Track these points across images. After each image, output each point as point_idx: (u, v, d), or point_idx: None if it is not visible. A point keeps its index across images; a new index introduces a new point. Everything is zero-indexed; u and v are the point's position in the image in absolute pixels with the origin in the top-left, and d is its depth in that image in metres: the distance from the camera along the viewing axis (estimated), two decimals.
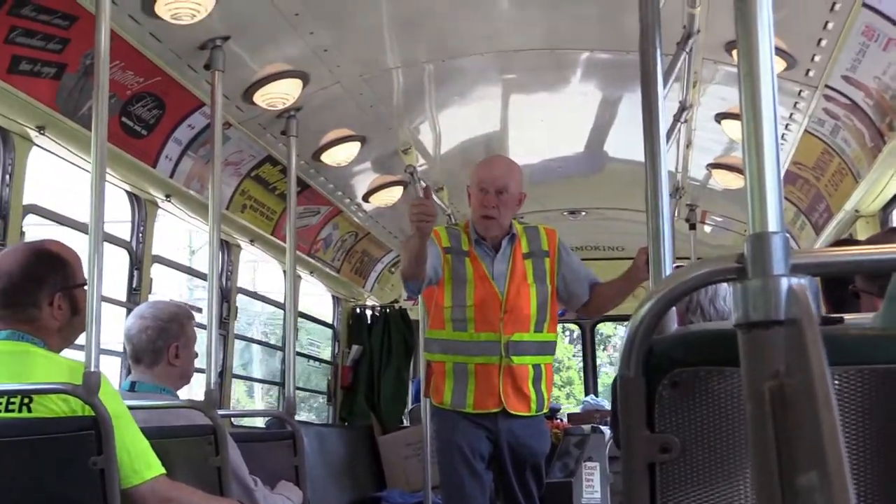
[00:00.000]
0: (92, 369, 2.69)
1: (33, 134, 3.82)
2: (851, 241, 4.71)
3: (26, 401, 2.71)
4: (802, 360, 0.94)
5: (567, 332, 16.49)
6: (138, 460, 2.80)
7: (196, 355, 3.81)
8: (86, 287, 2.91)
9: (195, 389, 4.86)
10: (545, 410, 4.64)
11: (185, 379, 3.84)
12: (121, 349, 4.64)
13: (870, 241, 3.91)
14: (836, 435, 0.86)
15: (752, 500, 1.21)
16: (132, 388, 3.65)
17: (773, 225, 1.13)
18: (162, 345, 3.65)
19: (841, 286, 3.23)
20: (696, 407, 1.25)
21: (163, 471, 2.85)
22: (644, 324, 1.27)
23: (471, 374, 4.45)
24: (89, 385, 2.66)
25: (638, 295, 4.54)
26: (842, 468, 0.83)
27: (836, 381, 1.20)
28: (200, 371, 4.15)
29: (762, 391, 1.02)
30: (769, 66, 1.18)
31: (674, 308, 2.05)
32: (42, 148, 3.95)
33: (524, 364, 4.46)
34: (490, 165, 4.63)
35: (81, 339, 2.96)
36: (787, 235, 1.18)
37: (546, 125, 6.01)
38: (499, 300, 4.45)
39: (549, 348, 4.59)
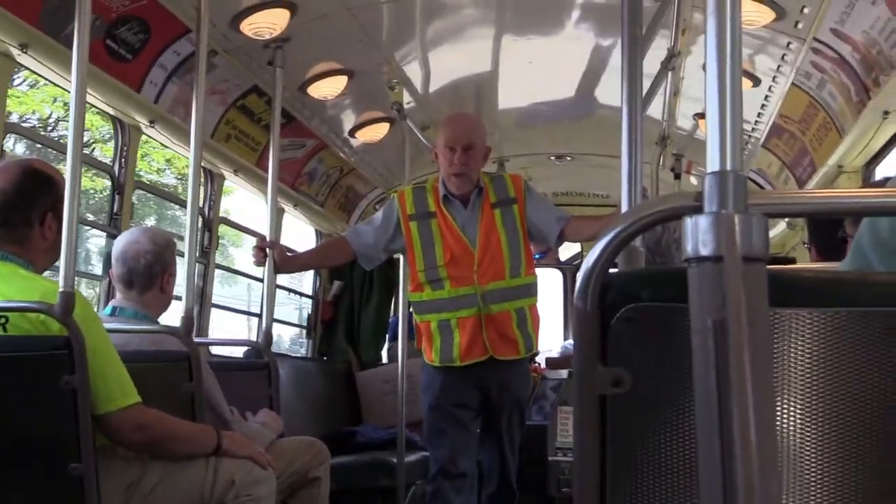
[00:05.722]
0: (67, 289, 2.70)
1: (16, 52, 3.78)
2: None
3: (2, 320, 2.72)
4: (733, 296, 0.96)
5: None
6: (114, 387, 2.82)
7: None
8: None
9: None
10: (535, 350, 4.74)
11: (167, 306, 3.87)
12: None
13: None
14: (743, 370, 0.87)
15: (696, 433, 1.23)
16: (113, 312, 3.68)
17: (729, 163, 1.14)
18: (158, 270, 3.68)
19: (830, 232, 3.22)
20: (648, 342, 1.27)
21: (138, 399, 2.87)
22: (602, 258, 1.28)
23: (455, 328, 4.53)
24: (64, 305, 2.66)
25: None
26: (762, 405, 0.85)
27: (786, 322, 1.22)
28: (178, 298, 4.16)
29: (707, 326, 1.04)
30: (736, 3, 1.18)
31: (640, 247, 2.09)
32: (24, 66, 3.92)
33: (504, 310, 4.52)
34: (455, 124, 4.69)
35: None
36: (745, 176, 1.18)
37: (537, 68, 5.96)
38: (471, 253, 4.52)
39: (528, 290, 4.63)
